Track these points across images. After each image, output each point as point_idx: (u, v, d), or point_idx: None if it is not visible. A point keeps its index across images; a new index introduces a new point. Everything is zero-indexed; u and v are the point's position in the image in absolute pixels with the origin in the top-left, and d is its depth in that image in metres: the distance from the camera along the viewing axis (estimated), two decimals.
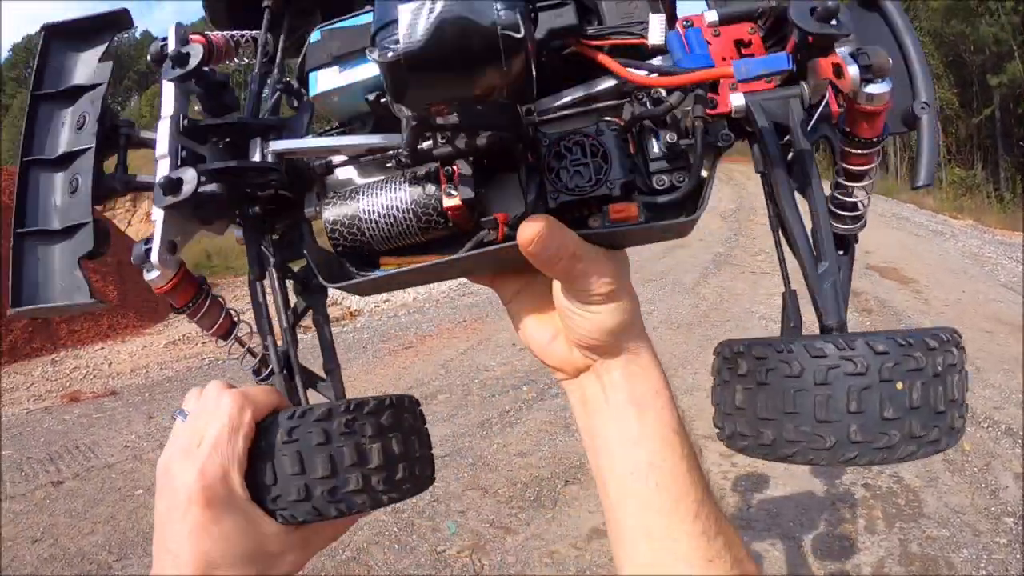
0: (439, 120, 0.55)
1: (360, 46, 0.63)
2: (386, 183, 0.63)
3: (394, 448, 0.60)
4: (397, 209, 0.62)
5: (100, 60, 0.68)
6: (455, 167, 0.59)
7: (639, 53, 0.60)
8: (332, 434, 0.58)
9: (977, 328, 6.67)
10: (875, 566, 3.35)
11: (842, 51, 0.52)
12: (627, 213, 0.58)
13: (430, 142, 0.58)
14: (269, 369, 0.66)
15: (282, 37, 0.72)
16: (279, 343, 0.67)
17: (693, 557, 0.62)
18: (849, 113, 0.55)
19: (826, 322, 0.55)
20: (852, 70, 0.51)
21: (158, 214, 0.59)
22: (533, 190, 0.60)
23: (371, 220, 0.62)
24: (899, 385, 0.49)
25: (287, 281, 0.68)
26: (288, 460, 0.58)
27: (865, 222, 0.61)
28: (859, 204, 0.60)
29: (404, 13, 0.42)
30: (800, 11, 0.50)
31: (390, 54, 0.43)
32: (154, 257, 0.59)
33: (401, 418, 0.62)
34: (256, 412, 0.60)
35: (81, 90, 0.68)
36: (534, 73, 0.48)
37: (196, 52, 0.62)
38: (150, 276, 0.60)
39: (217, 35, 0.72)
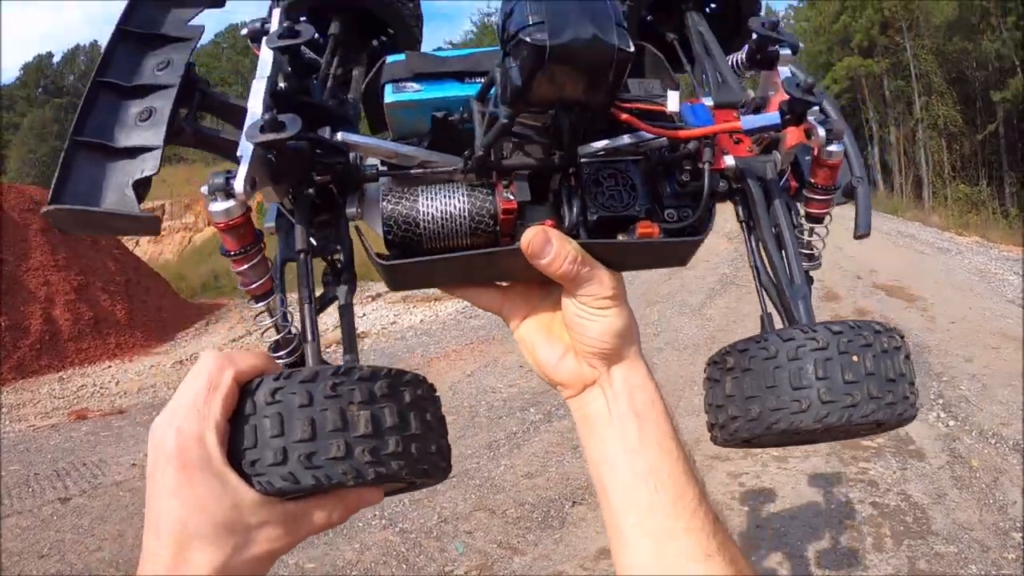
0: (519, 131, 0.67)
1: (439, 70, 0.74)
2: (444, 188, 0.70)
3: (386, 419, 0.57)
4: (455, 207, 0.69)
5: (189, 22, 0.70)
6: (512, 176, 0.70)
7: (657, 118, 0.72)
8: (316, 396, 0.55)
9: (983, 344, 6.66)
10: None
11: (811, 119, 0.69)
12: (652, 230, 0.70)
13: (500, 152, 0.69)
14: (288, 348, 0.66)
15: (334, 65, 0.83)
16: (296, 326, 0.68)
17: (692, 553, 0.67)
18: (814, 167, 0.72)
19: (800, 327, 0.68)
20: (820, 131, 0.68)
21: (247, 149, 0.58)
22: (575, 206, 0.70)
23: (428, 216, 0.69)
24: (854, 357, 0.63)
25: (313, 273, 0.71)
26: (268, 422, 0.55)
27: (820, 263, 0.75)
28: (815, 246, 0.75)
29: (551, 15, 0.55)
30: (790, 83, 0.68)
31: (539, 41, 0.54)
32: (238, 184, 0.58)
33: (399, 390, 0.60)
34: (238, 373, 0.57)
35: (168, 39, 0.68)
36: (616, 91, 0.60)
37: (308, 30, 0.67)
38: (221, 206, 0.59)
39: None
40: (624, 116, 0.70)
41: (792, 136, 0.71)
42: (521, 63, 0.57)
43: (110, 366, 9.09)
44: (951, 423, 5.00)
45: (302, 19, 0.77)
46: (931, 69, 29.25)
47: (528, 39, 0.55)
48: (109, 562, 3.95)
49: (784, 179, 0.76)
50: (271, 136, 0.58)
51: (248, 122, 0.61)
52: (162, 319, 10.89)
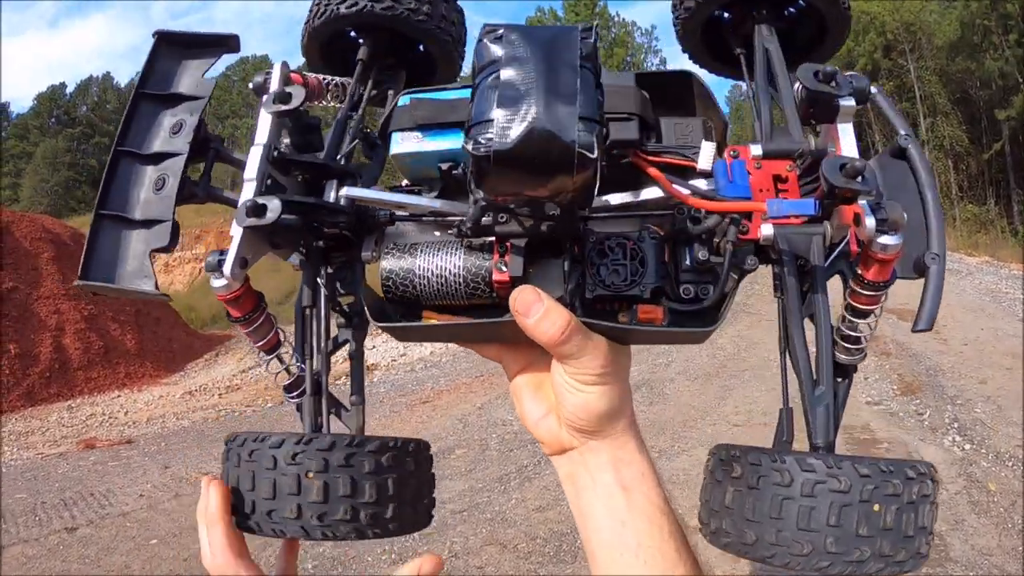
0: (506, 203, 0.64)
1: (442, 119, 0.71)
2: (444, 246, 0.69)
3: (338, 487, 0.62)
4: (450, 273, 0.68)
5: (204, 75, 0.73)
6: (508, 244, 0.66)
7: (687, 173, 0.66)
8: (279, 463, 0.62)
9: (997, 366, 6.58)
10: None
11: (863, 202, 0.57)
12: (654, 315, 0.65)
13: (491, 218, 0.65)
14: (300, 390, 0.70)
15: (368, 87, 0.83)
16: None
17: None
18: (863, 257, 0.61)
19: (814, 441, 0.61)
20: (869, 221, 0.57)
21: (237, 231, 0.63)
22: (574, 280, 0.66)
23: (424, 277, 0.68)
24: (876, 507, 0.55)
25: (331, 313, 0.73)
26: (242, 478, 0.63)
27: (865, 355, 0.65)
28: (862, 339, 0.64)
29: (500, 116, 0.51)
30: (831, 167, 0.56)
31: (482, 149, 0.51)
32: (227, 268, 0.63)
33: (357, 459, 0.63)
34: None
35: (182, 98, 0.72)
36: (596, 187, 0.55)
37: (298, 94, 0.69)
38: (218, 284, 0.64)
39: (312, 77, 0.80)
40: (649, 170, 0.65)
41: (848, 211, 0.60)
42: (470, 168, 0.55)
43: (119, 395, 9.10)
44: (967, 447, 4.93)
45: (292, 75, 0.77)
46: (935, 90, 29.34)
47: (470, 146, 0.52)
48: None
49: (844, 242, 0.65)
50: (253, 222, 0.61)
51: (240, 199, 0.65)
52: (172, 349, 10.93)
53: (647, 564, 0.66)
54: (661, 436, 5.57)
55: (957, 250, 17.34)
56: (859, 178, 0.56)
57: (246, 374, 9.93)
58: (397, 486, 0.64)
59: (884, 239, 0.57)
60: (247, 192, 0.65)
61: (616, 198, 0.68)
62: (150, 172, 0.69)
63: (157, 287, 0.65)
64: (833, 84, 0.65)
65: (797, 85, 0.69)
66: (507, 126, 0.51)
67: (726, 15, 0.92)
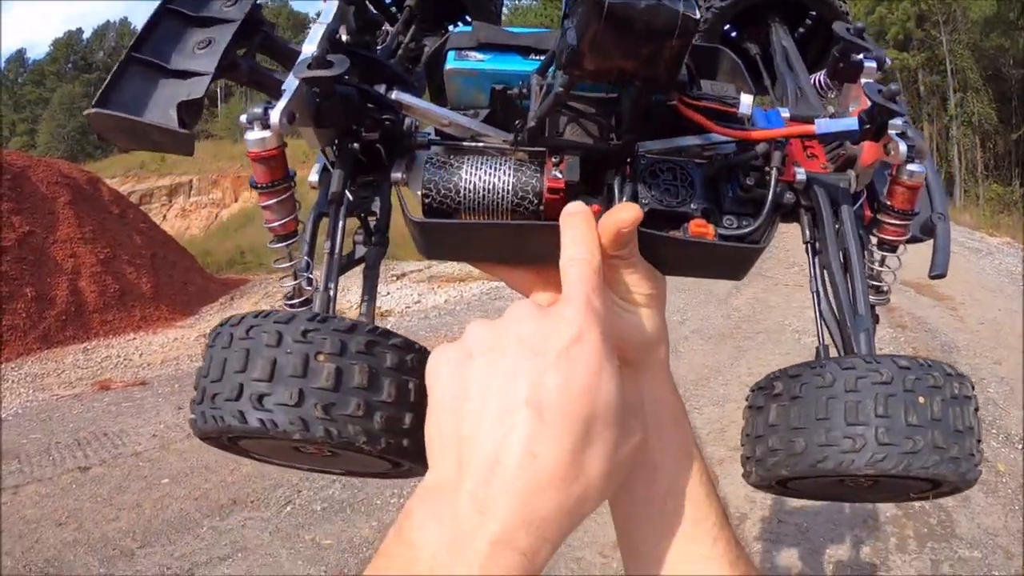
0: (576, 105, 0.64)
1: (504, 42, 0.71)
2: (490, 159, 0.67)
3: (353, 376, 0.53)
4: (499, 180, 0.65)
5: None
6: (563, 156, 0.65)
7: (727, 120, 0.68)
8: (285, 338, 0.53)
9: (1013, 347, 6.52)
10: None
11: (891, 132, 0.63)
12: (707, 230, 0.65)
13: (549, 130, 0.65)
14: (303, 298, 0.65)
15: (408, 36, 0.84)
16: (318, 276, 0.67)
17: None
18: (891, 186, 0.66)
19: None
20: (902, 147, 0.62)
21: (292, 83, 0.59)
22: (627, 195, 0.66)
23: (470, 184, 0.65)
24: (921, 399, 0.55)
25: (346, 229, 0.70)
26: (235, 357, 0.53)
27: (888, 298, 0.69)
28: (885, 279, 0.69)
29: None
30: (871, 89, 0.62)
31: None
32: (274, 115, 0.58)
33: (379, 351, 0.55)
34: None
35: None
36: (680, 65, 0.56)
37: None
38: (257, 135, 0.59)
39: None
40: (691, 113, 0.66)
41: (870, 153, 0.65)
42: (577, 21, 0.53)
43: (134, 338, 9.19)
44: None
45: None
46: (967, 65, 28.64)
47: None
48: (126, 532, 4.00)
49: (858, 204, 0.69)
50: (317, 72, 0.57)
51: (299, 60, 0.61)
52: (187, 293, 10.98)
53: (676, 511, 0.63)
54: None
55: (979, 228, 17.08)
56: (893, 102, 0.60)
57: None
58: (418, 393, 0.55)
59: (912, 166, 0.63)
60: (306, 54, 0.62)
61: (658, 143, 0.68)
62: (196, 33, 0.64)
63: (181, 127, 0.59)
64: (862, 39, 0.70)
65: (814, 76, 0.81)
66: None
67: (734, 33, 0.99)
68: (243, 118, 0.59)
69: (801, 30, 0.97)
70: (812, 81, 0.81)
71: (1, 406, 6.49)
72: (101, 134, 0.61)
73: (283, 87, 0.60)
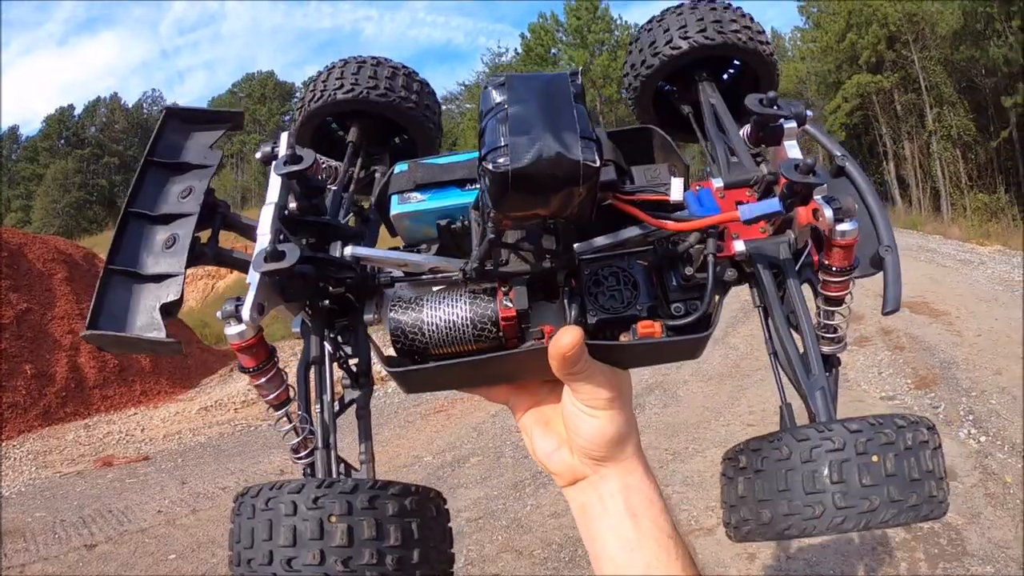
0: (510, 240, 0.70)
1: (440, 179, 0.77)
2: (447, 296, 0.73)
3: (363, 531, 0.60)
4: (457, 317, 0.71)
5: (211, 147, 0.76)
6: (511, 286, 0.71)
7: (661, 208, 0.73)
8: (299, 507, 0.60)
9: (1012, 355, 6.51)
10: None
11: (818, 198, 0.66)
12: (652, 329, 0.69)
13: (493, 262, 0.70)
14: (308, 451, 0.70)
15: (357, 168, 0.90)
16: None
17: None
18: (827, 249, 0.68)
19: (819, 421, 0.65)
20: (827, 212, 0.65)
21: (254, 278, 0.65)
22: (575, 309, 0.71)
23: (432, 324, 0.71)
24: (874, 458, 0.58)
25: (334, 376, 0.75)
26: (260, 527, 0.60)
27: (845, 345, 0.72)
28: (838, 328, 0.71)
29: (512, 142, 0.57)
30: (787, 167, 0.66)
31: (501, 167, 0.56)
32: (244, 313, 0.64)
33: (380, 503, 0.62)
34: None
35: (190, 167, 0.75)
36: (596, 198, 0.61)
37: (309, 156, 0.71)
38: (234, 331, 0.65)
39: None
40: (627, 208, 0.71)
41: (804, 213, 0.68)
42: (488, 188, 0.59)
43: (136, 413, 9.16)
44: (982, 439, 4.89)
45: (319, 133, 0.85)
46: (941, 80, 29.14)
47: (490, 166, 0.57)
48: None
49: (805, 253, 0.72)
50: (272, 266, 0.64)
51: (256, 250, 0.67)
52: (187, 366, 10.98)
53: None
54: (675, 438, 5.56)
55: (969, 240, 17.19)
56: (811, 174, 0.65)
57: None
58: (421, 530, 0.63)
59: (842, 226, 0.65)
60: (261, 244, 0.67)
61: (599, 240, 0.72)
62: (160, 231, 0.71)
63: (168, 336, 0.66)
64: (776, 108, 0.74)
65: (743, 129, 0.82)
66: (519, 149, 0.56)
67: (667, 87, 1.03)
68: (218, 315, 0.65)
69: (729, 74, 1.00)
70: (743, 134, 0.83)
71: (2, 484, 6.44)
72: (100, 347, 0.68)
73: (247, 280, 0.66)
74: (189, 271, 0.69)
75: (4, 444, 7.75)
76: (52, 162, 52.79)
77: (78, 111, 57.90)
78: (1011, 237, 17.93)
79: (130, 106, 58.69)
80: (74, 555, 4.73)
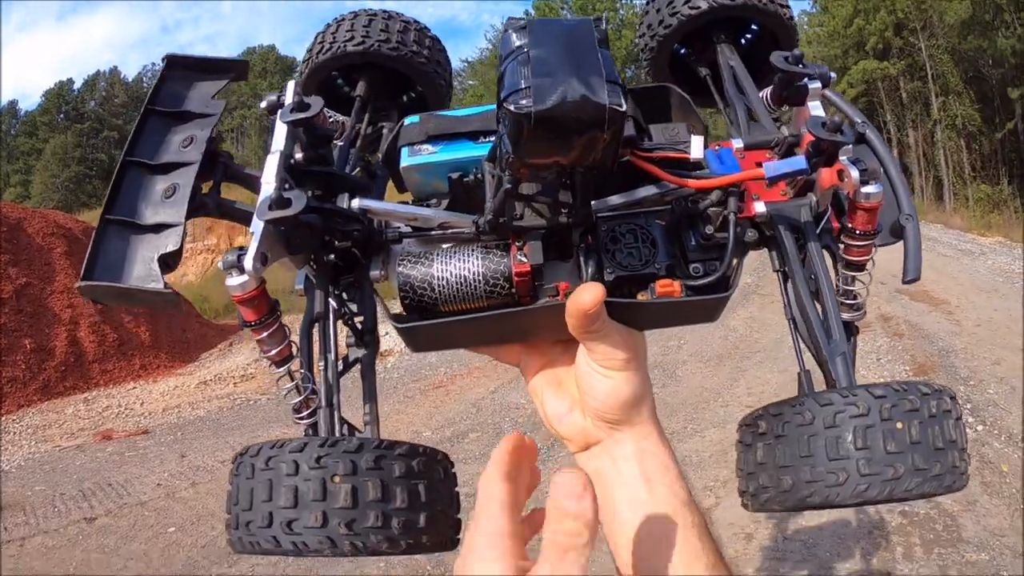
0: (526, 192, 0.67)
1: (452, 130, 0.73)
2: (458, 251, 0.70)
3: (368, 491, 0.57)
4: (468, 271, 0.68)
5: (213, 97, 0.73)
6: (525, 240, 0.68)
7: (680, 166, 0.70)
8: (302, 467, 0.57)
9: (1011, 347, 6.53)
10: None
11: (843, 159, 0.65)
12: (671, 288, 0.67)
13: (507, 216, 0.67)
14: (310, 410, 0.68)
15: (365, 123, 0.85)
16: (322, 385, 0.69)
17: None
18: (850, 212, 0.67)
19: (839, 387, 0.63)
20: (854, 172, 0.63)
21: (258, 226, 0.62)
22: (592, 266, 0.68)
23: (443, 279, 0.69)
24: (899, 424, 0.57)
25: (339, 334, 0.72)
26: (260, 488, 0.57)
27: (864, 312, 0.70)
28: (859, 294, 0.70)
29: (535, 83, 0.53)
30: (814, 124, 0.64)
31: (523, 110, 0.53)
32: (247, 262, 0.61)
33: (387, 463, 0.59)
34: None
35: (192, 116, 0.72)
36: (619, 147, 0.58)
37: (317, 103, 0.69)
38: (235, 281, 0.62)
39: None
40: (645, 165, 0.68)
41: (827, 176, 0.66)
42: (508, 132, 0.56)
43: (135, 387, 9.19)
44: (979, 428, 4.92)
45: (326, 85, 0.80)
46: (947, 69, 28.94)
47: (512, 107, 0.53)
48: None
49: (825, 219, 0.70)
50: (278, 213, 0.61)
51: (260, 198, 0.64)
52: (186, 340, 11.00)
53: (668, 556, 0.66)
54: (673, 418, 5.59)
55: (970, 230, 17.17)
56: (839, 133, 0.63)
57: (260, 362, 9.97)
58: (428, 493, 0.60)
59: (868, 188, 0.64)
60: (266, 192, 0.64)
61: (615, 199, 0.70)
62: (159, 181, 0.68)
63: (167, 286, 0.62)
64: (801, 66, 0.72)
65: (763, 92, 0.80)
66: (543, 91, 0.53)
67: (684, 51, 1.00)
68: (220, 265, 0.62)
69: (747, 39, 0.97)
70: (763, 97, 0.81)
71: (2, 458, 6.47)
72: (94, 300, 0.65)
73: (251, 229, 0.63)
74: (189, 245, 0.66)
75: (4, 418, 7.77)
76: (51, 136, 52.54)
77: (77, 85, 57.55)
78: (1013, 229, 17.91)
79: (130, 80, 58.29)
80: (74, 528, 4.76)
